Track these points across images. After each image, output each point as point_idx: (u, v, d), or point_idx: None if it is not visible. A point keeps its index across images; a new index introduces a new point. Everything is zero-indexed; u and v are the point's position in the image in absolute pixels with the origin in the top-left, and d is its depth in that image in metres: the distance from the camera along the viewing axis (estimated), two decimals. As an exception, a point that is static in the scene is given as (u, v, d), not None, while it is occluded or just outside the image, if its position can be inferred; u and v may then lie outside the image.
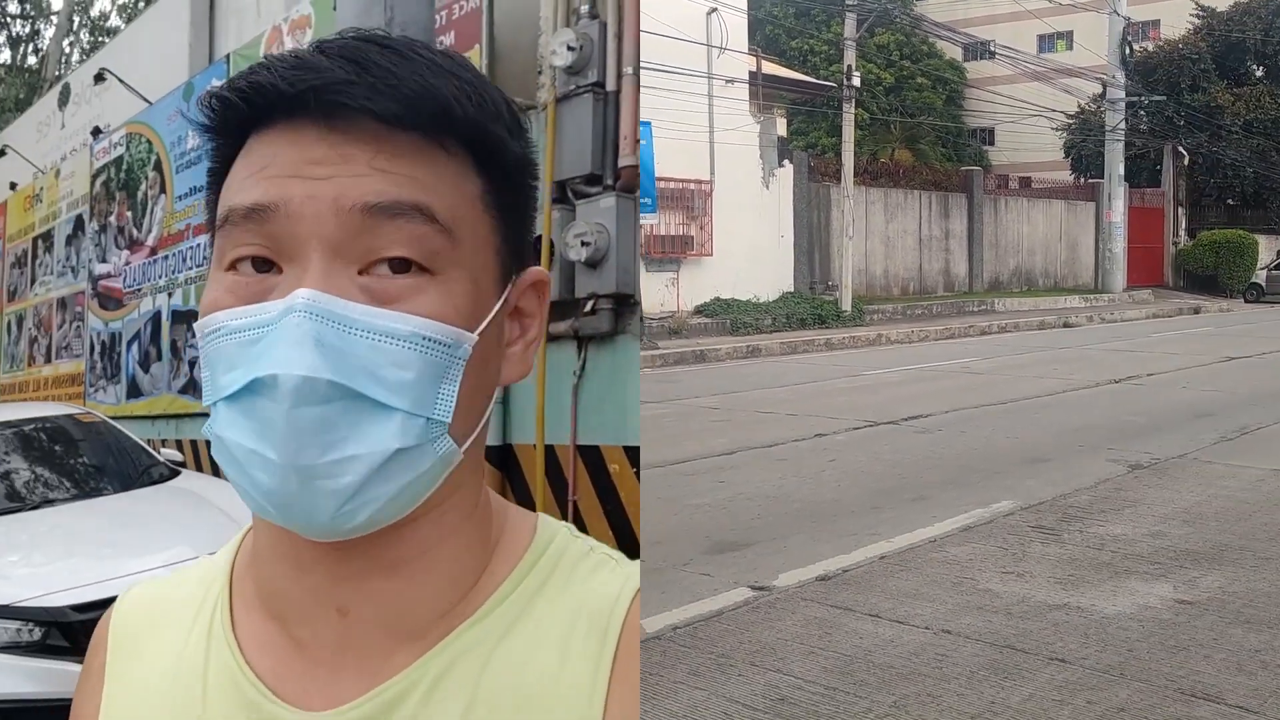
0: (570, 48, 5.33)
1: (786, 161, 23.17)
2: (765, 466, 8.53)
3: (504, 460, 5.56)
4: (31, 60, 28.79)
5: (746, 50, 22.78)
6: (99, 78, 14.26)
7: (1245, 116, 37.29)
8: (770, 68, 25.88)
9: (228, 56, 8.50)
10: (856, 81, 23.05)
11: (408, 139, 0.82)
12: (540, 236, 5.35)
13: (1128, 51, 33.87)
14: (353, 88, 0.81)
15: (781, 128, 23.47)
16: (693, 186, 20.39)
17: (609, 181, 5.41)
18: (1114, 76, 33.10)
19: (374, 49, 0.84)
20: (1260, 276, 35.17)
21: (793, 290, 22.75)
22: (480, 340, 0.85)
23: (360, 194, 0.80)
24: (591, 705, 0.85)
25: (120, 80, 12.90)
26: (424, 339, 0.81)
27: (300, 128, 0.82)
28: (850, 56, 22.98)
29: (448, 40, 6.19)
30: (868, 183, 26.65)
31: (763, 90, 23.46)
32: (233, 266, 0.83)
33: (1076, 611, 5.16)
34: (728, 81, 21.06)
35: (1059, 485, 7.74)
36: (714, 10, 20.47)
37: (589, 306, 5.31)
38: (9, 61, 28.85)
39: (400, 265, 0.82)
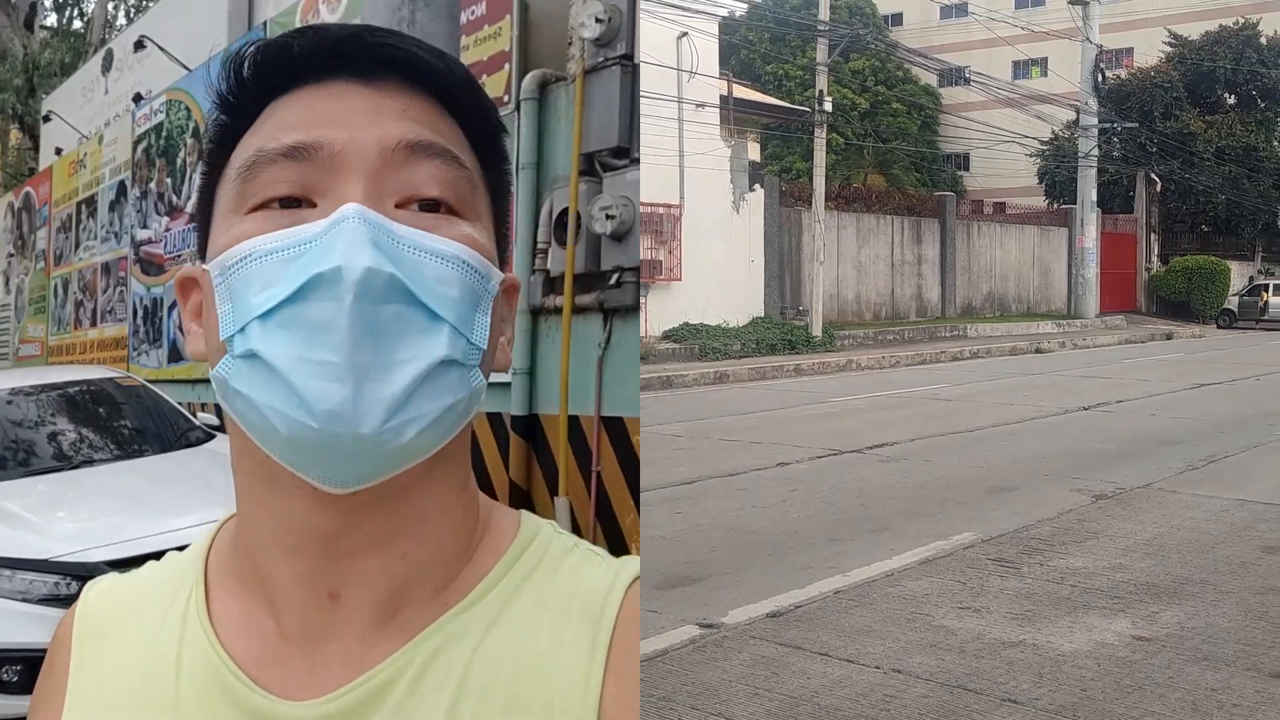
0: (599, 20, 5.28)
1: (758, 186, 23.16)
2: (725, 496, 8.40)
3: (530, 430, 5.50)
4: (77, 24, 29.13)
5: (718, 74, 22.77)
6: (139, 45, 14.41)
7: (1217, 144, 37.66)
8: (743, 92, 25.88)
9: (265, 23, 8.51)
10: (829, 106, 23.08)
11: (430, 103, 0.88)
12: (566, 209, 5.27)
13: (1100, 79, 34.16)
14: (398, 38, 0.88)
15: (754, 152, 23.46)
16: (662, 210, 20.31)
17: (636, 155, 5.34)
18: (1087, 103, 33.36)
19: (388, 33, 0.90)
20: (1232, 302, 35.46)
21: (763, 315, 22.69)
22: (497, 294, 0.89)
23: (402, 134, 0.85)
24: (586, 696, 0.84)
25: (160, 47, 12.94)
26: (464, 262, 0.84)
27: (331, 83, 0.86)
28: (822, 81, 23.02)
29: (479, 11, 6.07)
30: (840, 207, 26.68)
31: (734, 114, 23.44)
32: (259, 207, 0.84)
33: (1032, 649, 5.04)
34: (698, 106, 21.03)
35: (1022, 516, 7.65)
36: (684, 34, 20.46)
37: (614, 279, 5.23)
38: (55, 26, 29.04)
39: (431, 207, 0.85)
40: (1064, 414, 13.18)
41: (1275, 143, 40.24)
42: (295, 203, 0.84)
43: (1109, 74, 37.40)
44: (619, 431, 5.07)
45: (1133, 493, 8.43)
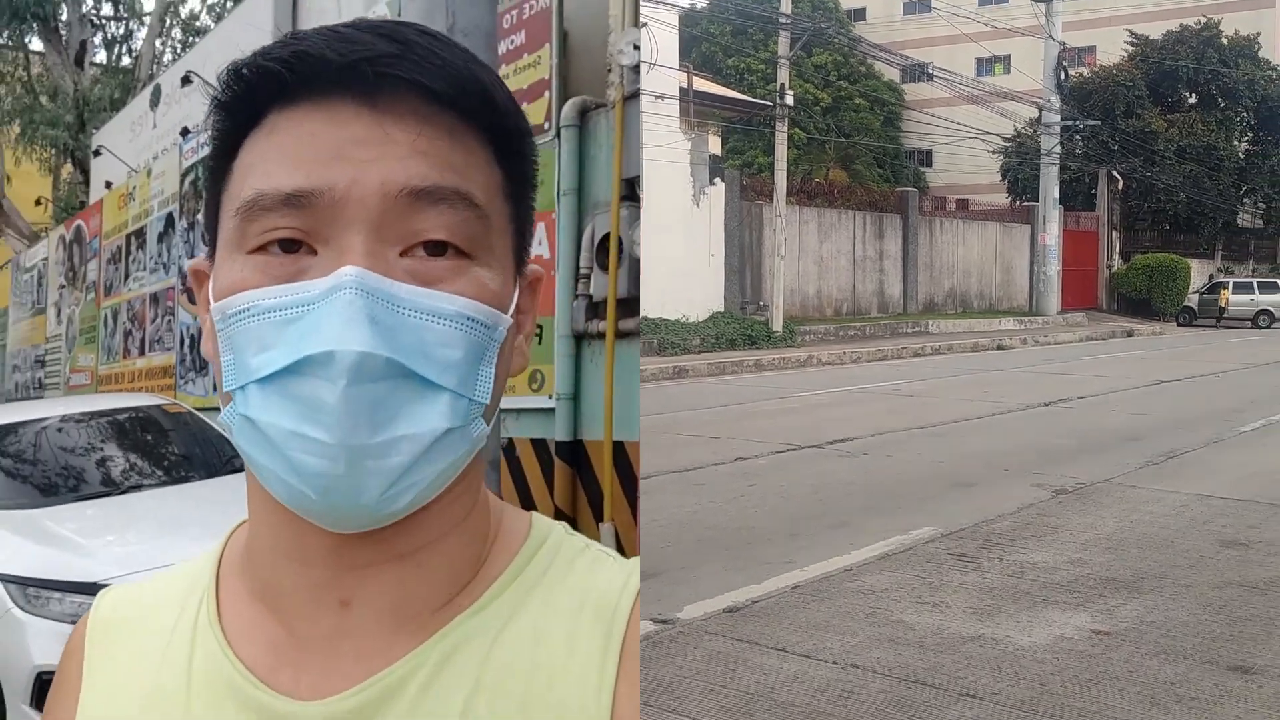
0: (637, 46, 5.27)
1: (718, 179, 23.14)
2: (681, 492, 8.35)
3: (575, 456, 5.47)
4: (125, 61, 29.74)
5: (678, 66, 22.73)
6: (185, 80, 14.68)
7: (1178, 142, 38.11)
8: (703, 85, 25.85)
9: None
10: (790, 100, 23.10)
11: (446, 121, 0.83)
12: (608, 235, 5.26)
13: (1063, 76, 34.44)
14: (401, 62, 0.81)
15: (714, 145, 23.42)
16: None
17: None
18: (1049, 101, 33.64)
19: (411, 31, 0.84)
20: (1192, 300, 35.92)
21: (723, 310, 22.69)
22: (507, 334, 0.87)
23: (406, 177, 0.81)
24: (600, 698, 0.84)
25: (206, 82, 13.08)
26: (468, 319, 0.82)
27: (335, 105, 0.82)
28: (783, 75, 23.04)
29: (518, 40, 6.07)
30: (802, 202, 26.72)
31: (695, 107, 23.39)
32: (259, 249, 0.82)
33: (991, 643, 5.03)
34: (657, 98, 20.95)
35: (982, 511, 7.65)
36: (644, 25, 20.38)
37: None
38: (105, 62, 29.60)
39: (437, 249, 0.82)
40: (1025, 410, 13.25)
41: (1235, 142, 40.81)
42: (296, 245, 0.81)
43: (1072, 72, 37.73)
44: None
45: (1093, 488, 8.46)
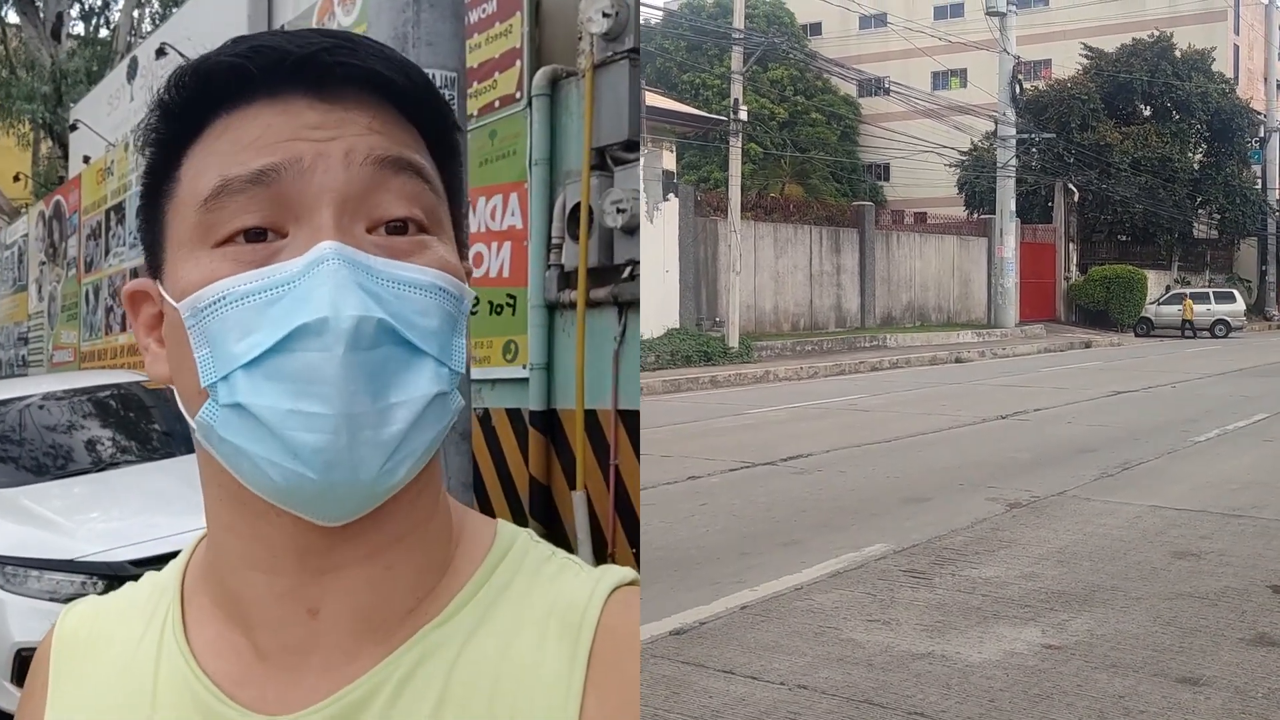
0: (606, 14, 5.27)
1: (672, 195, 23.14)
2: (633, 511, 8.30)
3: (549, 425, 5.52)
4: (103, 33, 29.66)
5: (631, 81, 22.75)
6: (160, 52, 14.55)
7: (1133, 154, 38.65)
8: (657, 100, 25.87)
9: (282, 27, 8.45)
10: (744, 115, 23.20)
11: (390, 113, 0.86)
12: (579, 204, 5.29)
13: (1018, 90, 34.84)
14: (355, 53, 0.84)
15: (669, 161, 23.42)
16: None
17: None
18: (1005, 114, 33.99)
19: (349, 32, 0.87)
20: (1150, 311, 36.34)
21: (678, 326, 22.66)
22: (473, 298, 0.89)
23: (368, 147, 0.83)
24: (566, 712, 0.84)
25: (180, 54, 12.95)
26: (440, 289, 0.84)
27: (288, 99, 0.83)
28: (737, 90, 23.13)
29: (489, 9, 6.06)
30: (758, 217, 26.81)
31: (649, 123, 23.42)
32: (223, 242, 0.82)
33: (941, 660, 5.01)
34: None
35: (935, 526, 7.65)
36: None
37: (627, 273, 5.24)
38: (82, 34, 29.53)
39: (398, 228, 0.84)
40: (981, 423, 13.32)
41: (1189, 153, 41.47)
42: (262, 234, 0.82)
43: (1027, 85, 38.21)
44: (633, 424, 5.14)
45: (1047, 501, 8.50)
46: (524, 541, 0.95)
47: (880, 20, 48.46)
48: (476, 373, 5.57)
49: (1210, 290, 37.70)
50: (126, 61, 17.53)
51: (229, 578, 0.90)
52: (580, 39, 5.57)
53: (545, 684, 0.85)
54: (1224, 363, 23.18)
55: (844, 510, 8.30)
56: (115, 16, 28.46)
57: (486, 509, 5.29)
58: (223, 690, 0.88)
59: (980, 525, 7.70)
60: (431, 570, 0.90)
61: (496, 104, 5.85)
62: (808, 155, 42.40)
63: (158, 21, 25.95)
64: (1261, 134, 46.84)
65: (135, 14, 27.64)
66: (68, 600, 4.99)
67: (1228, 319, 35.33)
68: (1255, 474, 9.63)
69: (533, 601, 0.89)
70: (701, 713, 4.44)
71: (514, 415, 5.71)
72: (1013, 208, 33.73)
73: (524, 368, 5.58)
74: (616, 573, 0.91)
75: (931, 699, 4.55)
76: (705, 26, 32.75)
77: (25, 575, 4.87)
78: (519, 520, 4.88)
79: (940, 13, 53.35)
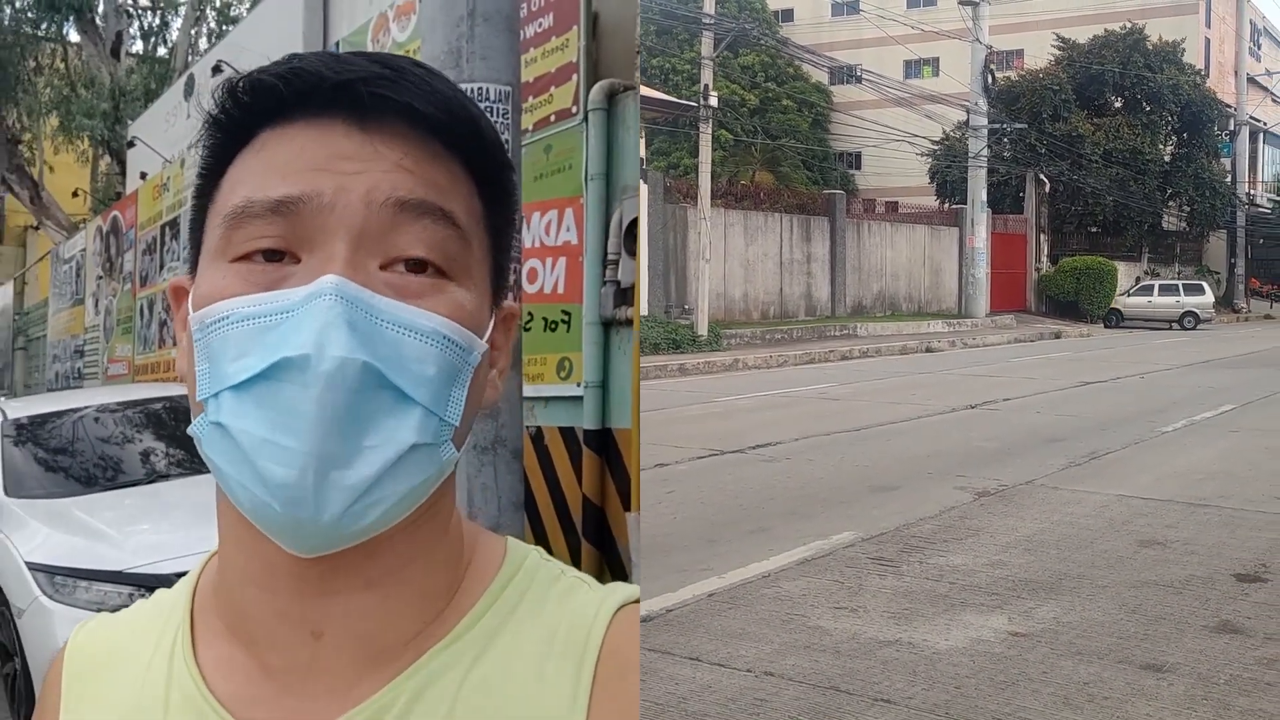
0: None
1: (642, 182, 23.16)
2: (600, 499, 8.31)
3: (603, 444, 5.46)
4: (161, 51, 30.34)
5: (601, 66, 22.72)
6: (216, 69, 14.72)
7: (1105, 146, 38.93)
8: (628, 85, 25.87)
9: (338, 43, 8.42)
10: (714, 101, 23.19)
11: (432, 147, 0.86)
12: (636, 220, 5.27)
13: (990, 80, 35.04)
14: (393, 85, 0.84)
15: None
16: (544, 206, 20.18)
17: None
18: (977, 104, 34.16)
19: (405, 61, 0.87)
20: (1120, 302, 36.66)
21: (647, 314, 22.68)
22: (482, 358, 0.88)
23: (391, 188, 0.83)
24: None
25: (236, 71, 12.79)
26: (444, 338, 0.83)
27: (327, 124, 0.84)
28: (707, 76, 23.13)
29: (546, 23, 6.01)
30: (728, 205, 26.83)
31: (619, 108, 23.41)
32: (242, 258, 0.83)
33: (908, 647, 5.05)
34: (580, 98, 20.95)
35: (903, 514, 7.71)
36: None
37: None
38: (140, 53, 30.25)
39: (417, 266, 0.84)
40: (951, 412, 13.41)
41: (1160, 145, 41.82)
42: (279, 255, 0.83)
43: (999, 75, 38.40)
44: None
45: (1015, 489, 8.57)
46: (533, 561, 0.95)
47: (852, 7, 48.57)
48: (529, 390, 5.52)
49: (1180, 282, 38.09)
50: (184, 79, 17.83)
51: (237, 594, 0.91)
52: (638, 53, 5.57)
53: (550, 706, 0.86)
54: (1192, 354, 23.44)
55: (812, 498, 8.34)
56: (173, 35, 29.46)
57: (539, 529, 5.25)
58: (231, 712, 0.89)
59: (948, 514, 7.76)
60: (436, 595, 0.90)
61: (552, 118, 5.80)
62: (779, 143, 42.44)
63: (214, 40, 26.82)
64: (1231, 127, 47.37)
65: (193, 32, 28.40)
66: (115, 611, 5.25)
67: (1197, 311, 35.69)
68: (1221, 464, 9.76)
69: (540, 622, 0.90)
70: (667, 699, 4.46)
71: (567, 434, 5.69)
72: (984, 198, 33.93)
73: (578, 385, 5.54)
74: (622, 591, 0.91)
75: (898, 686, 4.59)
76: (675, 10, 32.70)
77: (74, 585, 4.95)
78: (572, 541, 4.92)
79: (913, 1, 53.58)
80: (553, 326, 5.67)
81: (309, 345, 0.78)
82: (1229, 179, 46.55)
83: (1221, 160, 45.85)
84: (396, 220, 0.83)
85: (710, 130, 23.03)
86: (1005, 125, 36.48)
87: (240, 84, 0.87)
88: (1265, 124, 54.85)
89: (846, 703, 4.42)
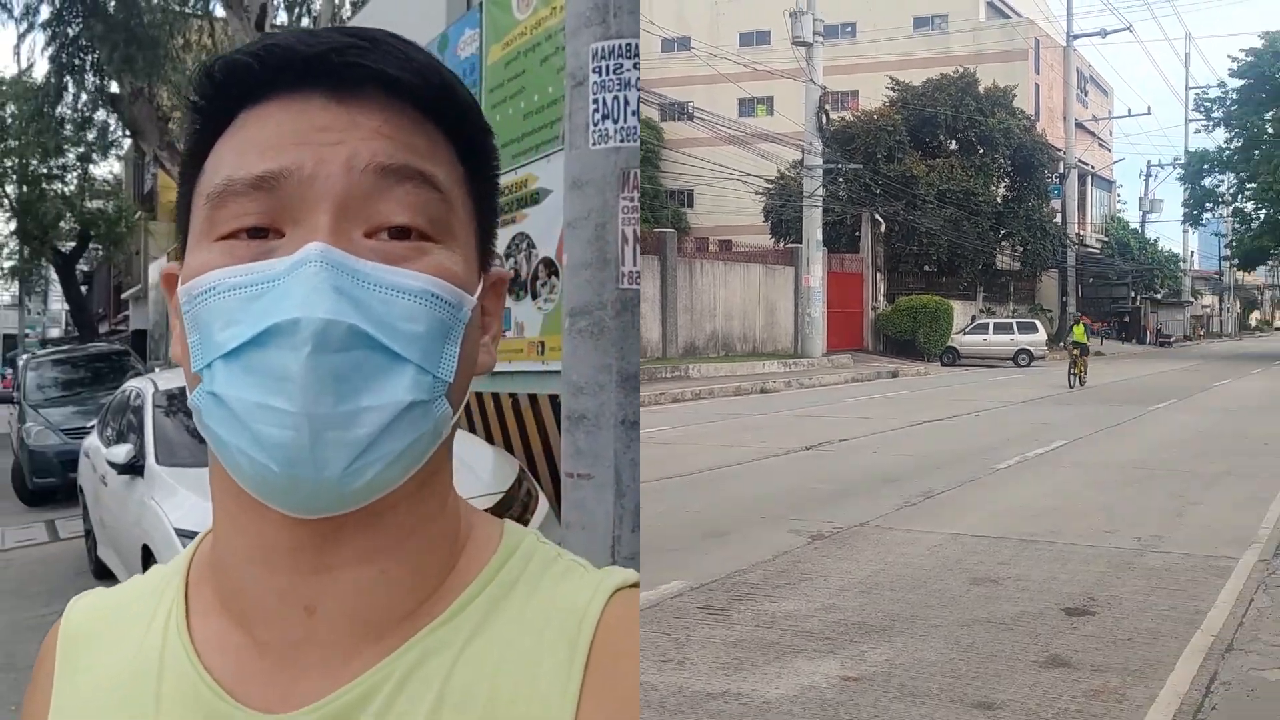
0: None
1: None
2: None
3: None
4: (305, 22, 29.66)
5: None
6: None
7: (939, 186, 40.49)
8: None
9: (481, 4, 7.98)
10: (542, 135, 23.20)
11: (409, 114, 0.89)
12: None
13: (825, 120, 36.02)
14: (367, 54, 0.87)
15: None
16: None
17: None
18: (811, 143, 35.03)
19: (378, 32, 0.90)
20: (956, 340, 37.98)
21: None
22: (473, 311, 0.91)
23: (371, 155, 0.86)
24: (563, 711, 0.85)
25: None
26: (433, 295, 0.86)
27: (304, 98, 0.87)
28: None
29: None
30: (558, 244, 26.78)
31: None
32: (226, 236, 0.86)
33: (736, 698, 4.99)
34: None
35: (735, 561, 7.69)
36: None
37: None
38: (285, 24, 29.42)
39: (401, 234, 0.87)
40: (785, 454, 13.56)
41: (993, 187, 43.75)
42: (263, 233, 0.86)
43: (834, 116, 39.56)
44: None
45: (849, 531, 8.66)
46: (530, 543, 0.97)
47: (684, 44, 49.52)
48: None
49: (1014, 320, 39.68)
50: None
51: (230, 571, 0.93)
52: None
53: (542, 688, 0.87)
54: (1026, 391, 24.34)
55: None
56: (317, 5, 29.10)
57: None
58: (224, 687, 0.90)
59: (781, 558, 7.78)
60: (432, 573, 0.92)
61: None
62: (611, 181, 42.76)
63: (357, 8, 26.60)
64: (1061, 170, 49.85)
65: (336, 1, 28.06)
66: None
67: (1030, 348, 37.22)
68: (1053, 499, 10.07)
69: (536, 603, 0.91)
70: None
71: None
72: (819, 237, 34.76)
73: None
74: (619, 574, 0.92)
75: (724, 738, 4.51)
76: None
77: None
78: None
79: (746, 39, 54.91)
80: None
81: (296, 310, 0.81)
82: (1059, 220, 48.91)
83: (1051, 202, 48.16)
84: (378, 186, 0.86)
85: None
86: (840, 165, 37.54)
87: (216, 66, 0.90)
88: (1093, 167, 57.92)
89: (669, 759, 4.31)
